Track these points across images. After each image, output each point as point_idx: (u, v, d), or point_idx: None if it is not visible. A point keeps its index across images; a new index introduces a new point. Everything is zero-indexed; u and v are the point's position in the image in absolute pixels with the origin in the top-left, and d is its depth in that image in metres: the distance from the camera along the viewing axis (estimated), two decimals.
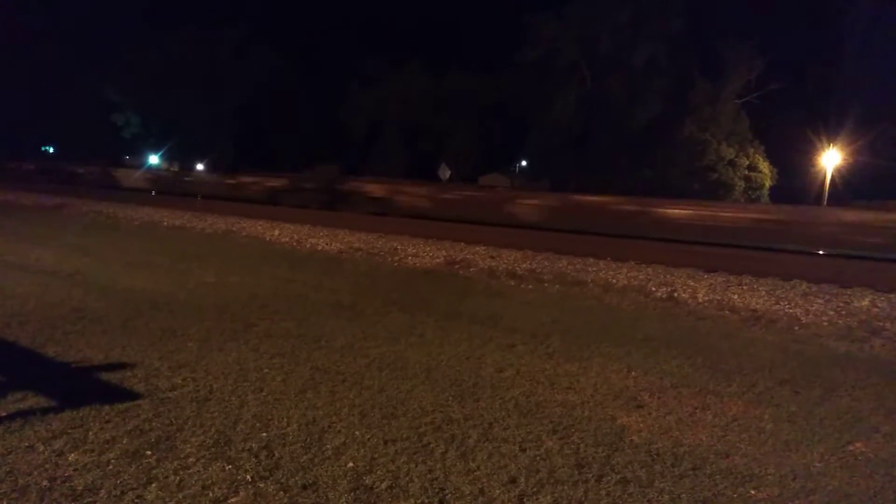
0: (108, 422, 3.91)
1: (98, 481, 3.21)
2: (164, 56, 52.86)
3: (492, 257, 12.53)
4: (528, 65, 43.62)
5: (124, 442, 3.65)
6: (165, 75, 52.58)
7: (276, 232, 15.56)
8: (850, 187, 34.46)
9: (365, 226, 17.00)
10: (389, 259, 12.33)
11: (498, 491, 3.35)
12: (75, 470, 3.31)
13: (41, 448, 3.52)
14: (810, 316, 8.40)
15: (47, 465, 3.34)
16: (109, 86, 53.17)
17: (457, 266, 11.68)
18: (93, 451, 3.53)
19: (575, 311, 8.36)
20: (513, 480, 3.47)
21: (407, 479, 3.43)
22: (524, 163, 53.05)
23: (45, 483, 3.17)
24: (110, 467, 3.36)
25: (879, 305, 8.99)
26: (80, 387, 4.60)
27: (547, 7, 42.49)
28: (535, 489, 3.39)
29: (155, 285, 8.43)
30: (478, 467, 3.60)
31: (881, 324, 7.98)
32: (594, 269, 11.54)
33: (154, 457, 3.50)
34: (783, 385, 5.43)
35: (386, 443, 3.86)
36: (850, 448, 4.17)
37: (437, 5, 55.11)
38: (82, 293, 7.66)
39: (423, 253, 12.85)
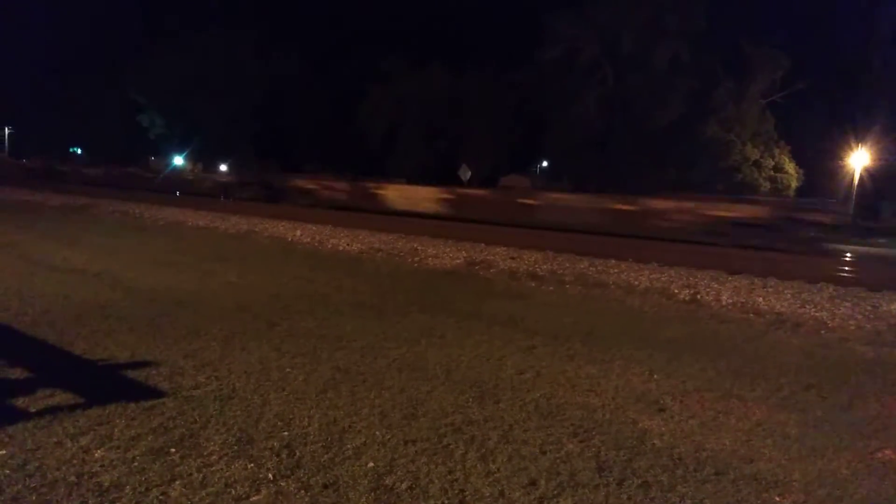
0: (133, 419, 3.98)
1: (124, 478, 3.26)
2: (187, 57, 53.62)
3: (512, 258, 12.49)
4: (548, 64, 43.40)
5: (149, 439, 3.71)
6: (188, 76, 53.32)
7: (298, 232, 15.68)
8: (878, 187, 33.77)
9: (386, 226, 17.06)
10: (410, 260, 12.37)
11: (518, 493, 3.34)
12: (102, 466, 3.37)
13: (69, 444, 3.59)
14: (837, 320, 8.25)
15: (75, 461, 3.41)
16: (134, 87, 54.10)
17: (477, 267, 11.67)
18: (119, 447, 3.59)
19: (596, 312, 8.31)
20: (533, 483, 3.46)
21: (427, 479, 3.43)
22: (545, 163, 52.82)
23: (72, 478, 3.23)
24: (135, 464, 3.41)
25: None
26: (106, 384, 4.70)
27: (567, 5, 42.31)
28: (555, 492, 3.38)
29: (179, 285, 8.55)
30: (498, 469, 3.60)
31: None
32: (616, 270, 11.45)
33: (178, 454, 3.55)
34: (809, 390, 5.34)
35: (406, 443, 3.87)
36: (879, 455, 4.09)
37: (455, 5, 55.13)
38: (109, 292, 7.80)
39: (444, 254, 12.86)
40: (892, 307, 8.88)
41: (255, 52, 54.49)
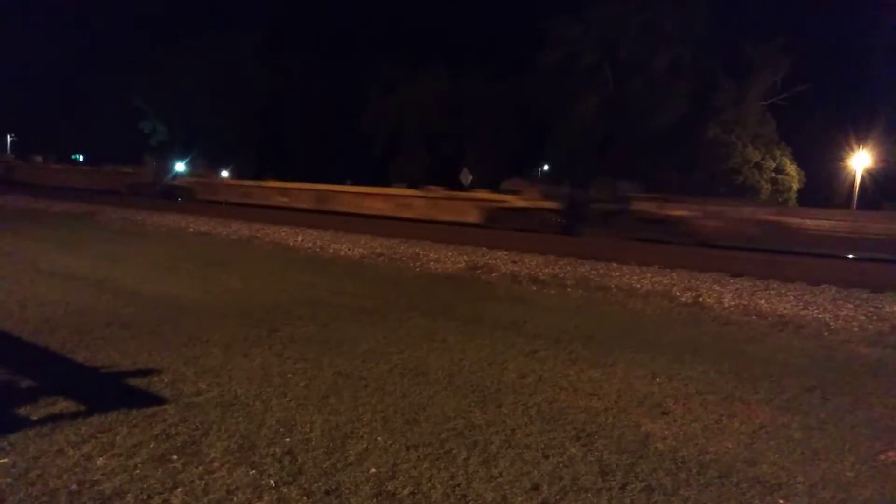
0: (135, 426, 3.98)
1: (125, 485, 3.26)
2: (188, 63, 53.82)
3: (514, 262, 12.49)
4: (548, 68, 43.53)
5: (151, 446, 3.71)
6: (190, 83, 53.52)
7: (300, 238, 15.70)
8: (880, 189, 33.73)
9: (387, 231, 17.08)
10: (412, 264, 12.37)
11: (520, 498, 3.33)
12: (103, 474, 3.37)
13: (70, 452, 3.59)
14: (840, 321, 8.23)
15: (76, 469, 3.40)
16: (136, 94, 54.31)
17: (479, 271, 11.67)
18: (120, 455, 3.58)
19: (598, 316, 8.30)
20: (535, 488, 3.45)
21: (429, 485, 3.42)
22: (546, 167, 52.85)
23: (74, 487, 3.22)
24: (137, 472, 3.41)
25: None
26: (108, 391, 4.69)
27: (567, 10, 42.47)
28: (558, 496, 3.37)
29: (181, 291, 8.56)
30: (500, 474, 3.59)
31: None
32: (617, 273, 11.44)
33: (180, 461, 3.54)
34: (812, 392, 5.32)
35: (408, 449, 3.86)
36: (882, 457, 4.08)
37: (457, 10, 55.48)
38: (111, 299, 7.81)
39: (445, 258, 12.86)
40: (895, 308, 8.86)
41: (256, 58, 54.69)
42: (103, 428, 3.92)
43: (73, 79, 60.34)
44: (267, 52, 54.78)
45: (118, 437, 3.80)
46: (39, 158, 43.93)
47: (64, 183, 35.34)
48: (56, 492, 3.16)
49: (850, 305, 8.99)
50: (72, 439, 3.74)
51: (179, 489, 3.25)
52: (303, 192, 27.74)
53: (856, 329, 7.90)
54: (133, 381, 4.85)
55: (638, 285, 10.39)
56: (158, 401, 4.44)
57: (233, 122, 53.84)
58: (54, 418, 4.02)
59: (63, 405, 4.25)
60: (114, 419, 4.05)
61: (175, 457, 3.59)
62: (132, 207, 23.11)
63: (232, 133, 53.72)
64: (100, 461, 3.50)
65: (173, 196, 30.70)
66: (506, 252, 13.76)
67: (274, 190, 28.77)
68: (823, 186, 36.77)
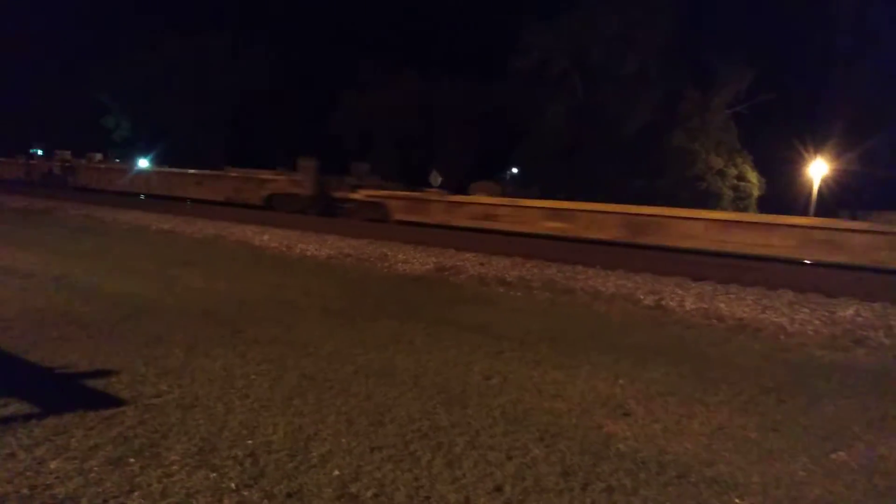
0: (91, 429, 3.88)
1: (80, 489, 3.18)
2: (155, 59, 52.80)
3: (482, 264, 12.54)
4: (519, 73, 43.90)
5: (108, 449, 3.62)
6: (156, 79, 52.47)
7: (266, 237, 15.50)
8: (835, 197, 34.85)
9: (355, 232, 16.98)
10: (379, 265, 12.32)
11: (483, 499, 3.35)
12: (57, 478, 3.28)
13: (22, 455, 3.48)
14: (796, 325, 8.47)
15: (28, 473, 3.30)
16: (100, 89, 53.01)
17: (447, 273, 11.69)
18: (75, 458, 3.49)
19: (563, 318, 8.39)
20: (499, 489, 3.47)
21: (393, 487, 3.42)
22: (515, 170, 53.23)
23: (25, 491, 3.13)
24: (93, 475, 3.32)
25: (864, 315, 9.08)
26: (63, 393, 4.57)
27: (538, 16, 42.89)
28: (520, 497, 3.39)
29: (142, 290, 8.37)
30: (464, 475, 3.60)
31: (865, 333, 8.07)
32: (583, 276, 11.58)
33: (138, 464, 3.47)
34: (768, 394, 5.47)
35: (372, 450, 3.85)
36: (833, 457, 4.21)
37: (429, 14, 55.61)
38: (68, 298, 7.60)
39: (413, 259, 12.84)
40: (848, 313, 9.16)
41: (226, 56, 53.92)
42: (58, 430, 3.81)
43: (34, 70, 58.46)
44: (238, 51, 54.05)
45: (73, 440, 3.70)
46: (99, 156, 37.10)
47: (168, 191, 29.30)
48: (6, 497, 3.07)
49: (806, 310, 9.27)
50: (24, 442, 3.63)
51: (137, 493, 3.18)
52: (597, 216, 18.33)
53: (811, 332, 8.14)
54: (90, 382, 4.74)
55: (603, 288, 10.54)
56: (116, 402, 4.34)
57: (201, 120, 52.95)
58: (5, 420, 3.90)
59: (15, 407, 4.12)
60: (69, 421, 3.94)
61: (133, 460, 3.51)
62: (93, 204, 22.52)
63: (200, 131, 52.81)
64: (53, 464, 3.41)
65: (346, 215, 22.54)
66: (474, 254, 13.81)
67: (538, 211, 19.57)
68: (783, 194, 37.83)
